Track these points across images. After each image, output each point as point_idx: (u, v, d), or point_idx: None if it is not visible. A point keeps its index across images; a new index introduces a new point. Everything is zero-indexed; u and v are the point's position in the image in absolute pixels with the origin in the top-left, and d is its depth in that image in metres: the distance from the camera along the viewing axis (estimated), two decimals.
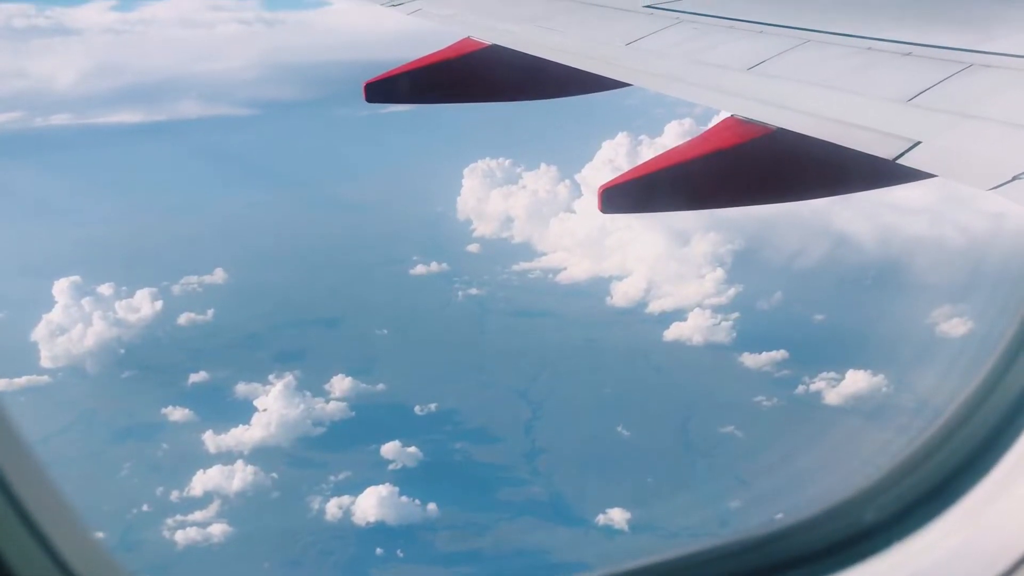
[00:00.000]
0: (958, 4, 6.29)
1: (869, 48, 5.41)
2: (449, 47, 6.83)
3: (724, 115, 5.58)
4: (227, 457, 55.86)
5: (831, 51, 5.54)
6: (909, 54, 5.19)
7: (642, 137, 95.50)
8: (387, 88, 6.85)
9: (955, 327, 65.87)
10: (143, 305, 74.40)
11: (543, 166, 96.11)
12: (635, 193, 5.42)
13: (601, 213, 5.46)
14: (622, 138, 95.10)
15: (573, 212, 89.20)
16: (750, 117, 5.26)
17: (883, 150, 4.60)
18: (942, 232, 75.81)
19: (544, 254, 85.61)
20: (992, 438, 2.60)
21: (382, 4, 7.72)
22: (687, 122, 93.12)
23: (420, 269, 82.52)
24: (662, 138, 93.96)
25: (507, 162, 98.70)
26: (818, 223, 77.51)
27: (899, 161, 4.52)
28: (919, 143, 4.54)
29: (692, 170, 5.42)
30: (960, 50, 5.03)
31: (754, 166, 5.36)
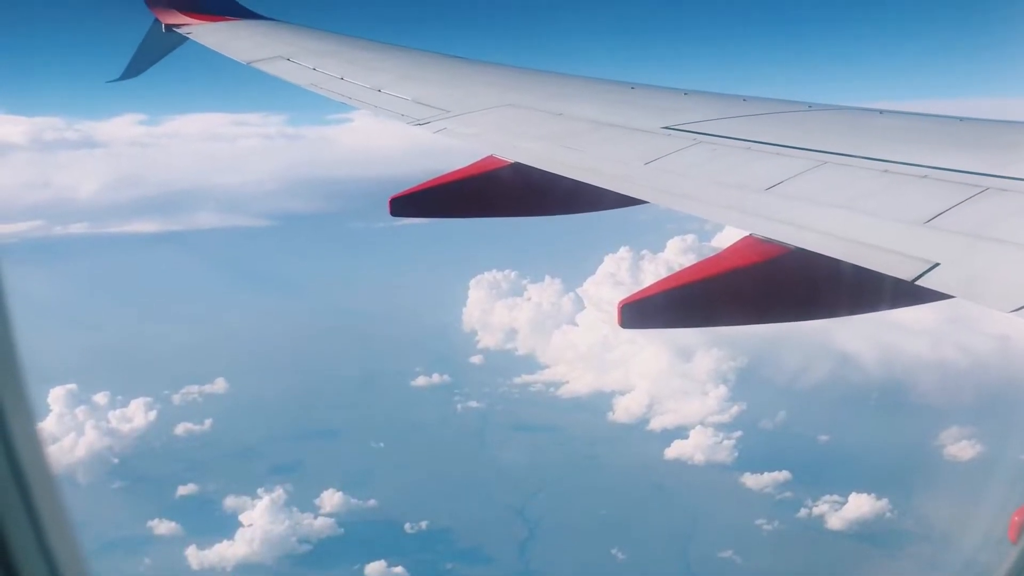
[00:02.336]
0: (973, 129, 6.43)
1: (886, 171, 5.51)
2: (473, 164, 7.01)
3: (737, 233, 5.65)
4: (209, 574, 54.41)
5: (848, 173, 5.63)
6: (925, 177, 5.29)
7: (644, 252, 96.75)
8: (412, 203, 7.01)
9: (964, 450, 65.01)
10: (136, 415, 73.86)
11: (548, 278, 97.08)
12: (655, 309, 5.44)
13: (621, 328, 5.47)
14: (624, 252, 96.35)
15: (576, 325, 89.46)
16: (769, 236, 5.31)
17: (902, 271, 4.62)
18: (945, 353, 75.69)
19: (547, 367, 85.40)
20: None
21: (408, 123, 7.98)
22: (689, 238, 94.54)
23: (421, 380, 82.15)
24: (664, 253, 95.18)
25: (513, 274, 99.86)
26: (821, 341, 77.53)
27: (918, 282, 4.53)
28: (938, 264, 4.56)
29: (711, 288, 5.45)
30: (976, 174, 5.12)
31: (773, 285, 5.39)
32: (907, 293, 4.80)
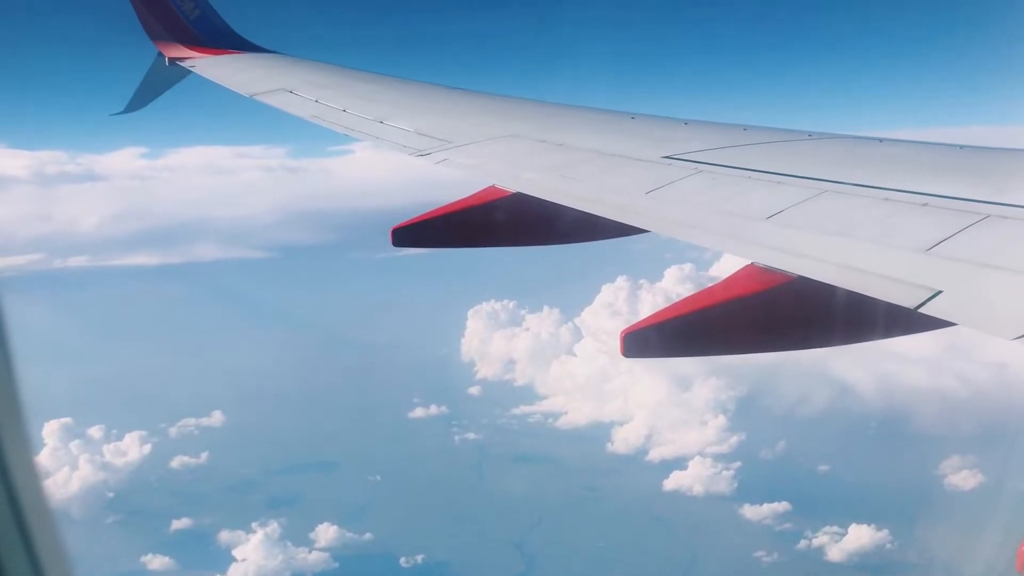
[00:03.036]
0: (973, 156, 6.45)
1: (886, 199, 5.52)
2: (474, 195, 7.03)
3: (738, 262, 5.65)
4: None
5: (849, 201, 5.64)
6: (926, 205, 5.30)
7: (642, 281, 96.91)
8: (414, 233, 7.02)
9: (965, 480, 64.72)
10: (131, 449, 73.47)
11: (546, 308, 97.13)
12: (657, 338, 5.43)
13: (623, 357, 5.45)
14: (622, 282, 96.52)
15: (574, 355, 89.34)
16: (771, 265, 5.32)
17: (904, 299, 4.61)
18: (944, 382, 75.58)
19: (545, 397, 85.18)
20: None
21: (410, 154, 8.02)
22: (687, 267, 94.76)
23: (419, 412, 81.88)
24: (662, 283, 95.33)
25: (512, 304, 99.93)
26: (820, 370, 77.41)
27: (921, 310, 4.52)
28: (940, 292, 4.55)
29: (713, 316, 5.44)
30: (976, 201, 5.13)
31: (776, 313, 5.38)
32: (910, 321, 4.79)
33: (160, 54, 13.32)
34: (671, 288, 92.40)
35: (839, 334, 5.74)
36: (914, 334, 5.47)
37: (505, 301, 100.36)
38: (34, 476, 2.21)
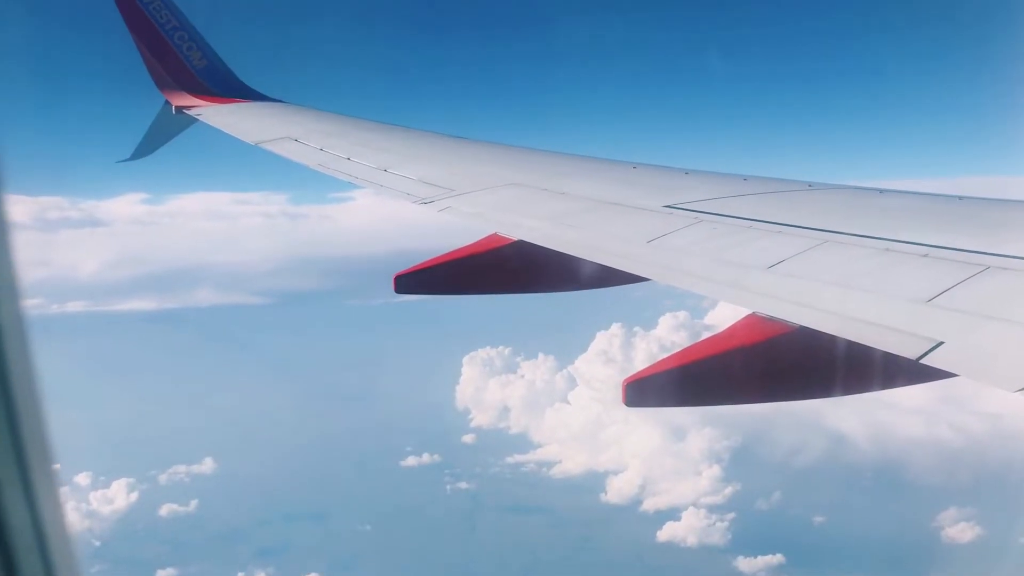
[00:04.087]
0: (973, 207, 6.50)
1: (887, 249, 5.55)
2: (477, 242, 7.07)
3: (737, 310, 5.66)
4: None
5: (849, 252, 5.67)
6: (927, 255, 5.33)
7: (636, 329, 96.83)
8: (417, 280, 7.06)
9: (963, 532, 64.13)
10: (118, 496, 72.51)
11: (541, 355, 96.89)
12: (659, 388, 5.42)
13: (625, 407, 5.44)
14: (616, 329, 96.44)
15: (568, 403, 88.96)
16: (772, 315, 5.33)
17: (906, 350, 4.62)
18: (940, 433, 75.33)
19: (540, 446, 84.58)
20: None
21: (414, 202, 8.09)
22: (682, 315, 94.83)
23: (412, 461, 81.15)
24: (656, 330, 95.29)
25: (507, 350, 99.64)
26: (815, 420, 77.16)
27: (922, 361, 4.53)
28: (942, 343, 4.56)
29: (715, 366, 5.44)
30: (977, 252, 5.16)
31: (778, 364, 5.38)
32: (912, 372, 4.79)
33: (167, 103, 13.50)
34: (666, 336, 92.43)
35: (841, 384, 5.73)
36: (915, 385, 5.47)
37: (501, 347, 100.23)
38: (62, 517, 2.30)
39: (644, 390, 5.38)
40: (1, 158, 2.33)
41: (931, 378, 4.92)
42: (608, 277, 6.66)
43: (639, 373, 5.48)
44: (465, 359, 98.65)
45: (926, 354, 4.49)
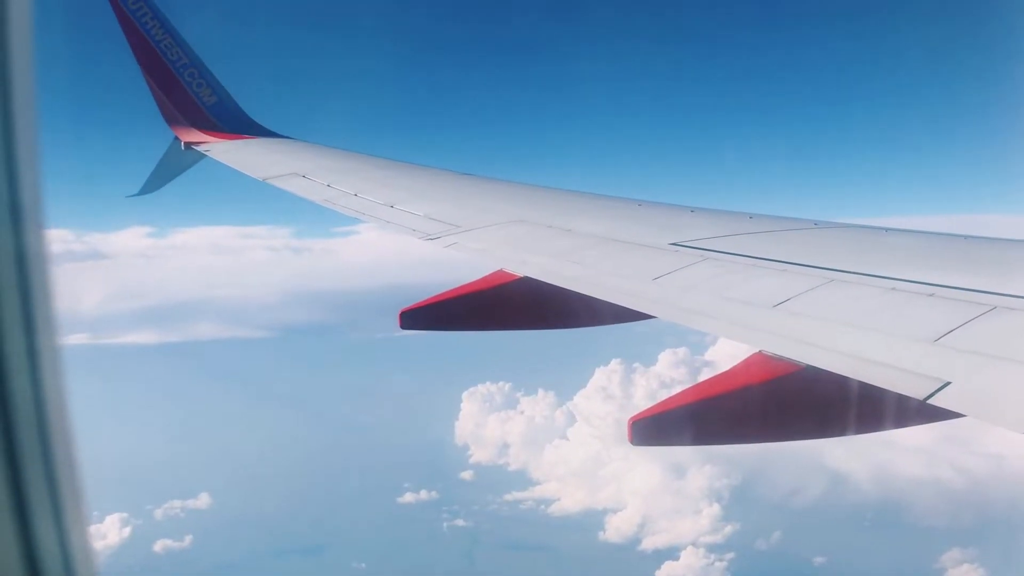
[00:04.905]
0: (979, 247, 6.53)
1: (893, 288, 5.55)
2: (482, 278, 7.09)
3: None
4: None
5: (855, 290, 5.68)
6: (933, 295, 5.33)
7: (636, 365, 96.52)
8: (422, 316, 7.07)
9: (966, 574, 63.50)
10: (111, 532, 71.90)
11: (541, 391, 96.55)
12: (666, 426, 5.42)
13: (632, 445, 5.42)
14: (616, 365, 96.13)
15: (567, 440, 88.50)
16: (779, 354, 5.33)
17: (913, 389, 4.61)
18: (942, 473, 74.87)
19: (538, 483, 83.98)
20: None
21: (420, 238, 8.13)
22: (681, 351, 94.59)
23: (409, 497, 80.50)
24: (656, 367, 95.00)
25: (507, 386, 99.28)
26: (816, 459, 76.67)
27: (930, 401, 4.53)
28: (949, 383, 4.56)
29: (722, 405, 5.44)
30: (984, 292, 5.17)
31: (784, 403, 5.38)
32: (919, 412, 4.78)
33: (176, 138, 13.63)
34: (665, 372, 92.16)
35: (848, 424, 5.72)
36: (922, 425, 5.46)
37: (501, 383, 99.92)
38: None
39: (651, 429, 5.37)
40: (42, 195, 2.38)
41: (938, 418, 4.91)
42: (614, 314, 6.68)
43: (646, 411, 5.47)
44: (465, 394, 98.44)
45: (933, 394, 4.48)
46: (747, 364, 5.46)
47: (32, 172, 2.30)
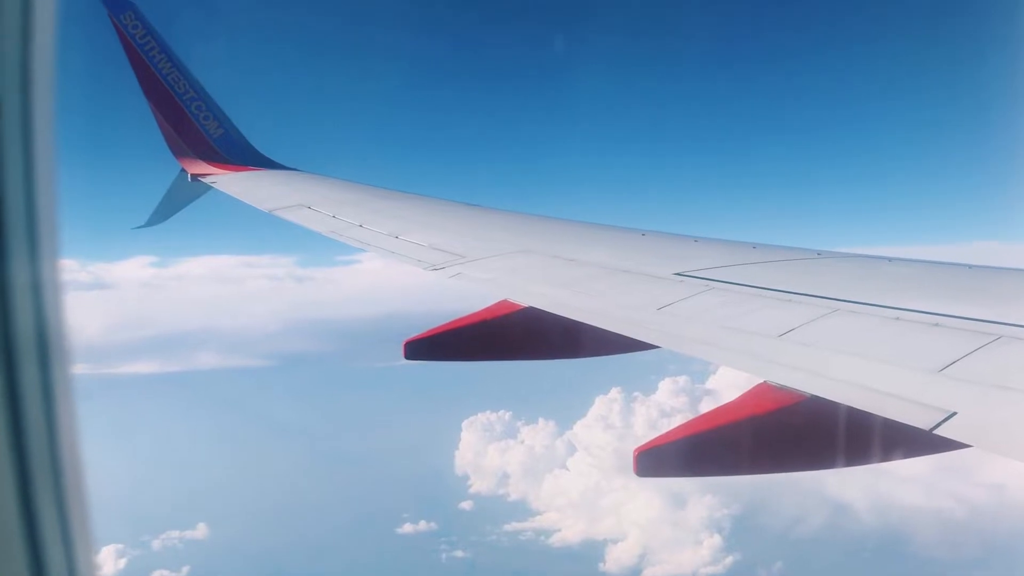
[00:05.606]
0: (983, 276, 6.54)
1: (897, 318, 5.57)
2: (487, 308, 7.12)
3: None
4: None
5: (860, 320, 5.68)
6: (937, 325, 5.34)
7: (636, 394, 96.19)
8: (427, 346, 7.08)
9: None
10: (106, 563, 71.24)
11: (541, 420, 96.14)
12: (671, 457, 5.41)
13: (637, 476, 5.41)
14: (615, 394, 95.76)
15: (568, 469, 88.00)
16: (784, 384, 5.33)
17: (919, 420, 4.61)
18: (942, 503, 74.40)
19: (538, 513, 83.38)
20: None
21: (424, 268, 8.16)
22: (682, 379, 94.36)
23: (407, 528, 79.91)
24: (656, 395, 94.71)
25: (507, 415, 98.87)
26: (817, 489, 76.23)
27: (936, 431, 4.52)
28: (955, 413, 4.56)
29: (728, 435, 5.43)
30: (988, 322, 5.18)
31: (791, 433, 5.36)
32: (925, 442, 4.77)
33: (183, 170, 13.74)
34: (666, 401, 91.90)
35: (854, 455, 5.71)
36: (928, 455, 5.45)
37: (501, 412, 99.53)
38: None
39: (656, 460, 5.36)
40: (58, 225, 2.41)
41: (944, 449, 4.91)
42: (618, 344, 6.68)
43: (651, 443, 5.45)
44: (465, 423, 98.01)
45: (939, 424, 4.49)
46: (752, 394, 5.46)
47: (49, 204, 2.33)
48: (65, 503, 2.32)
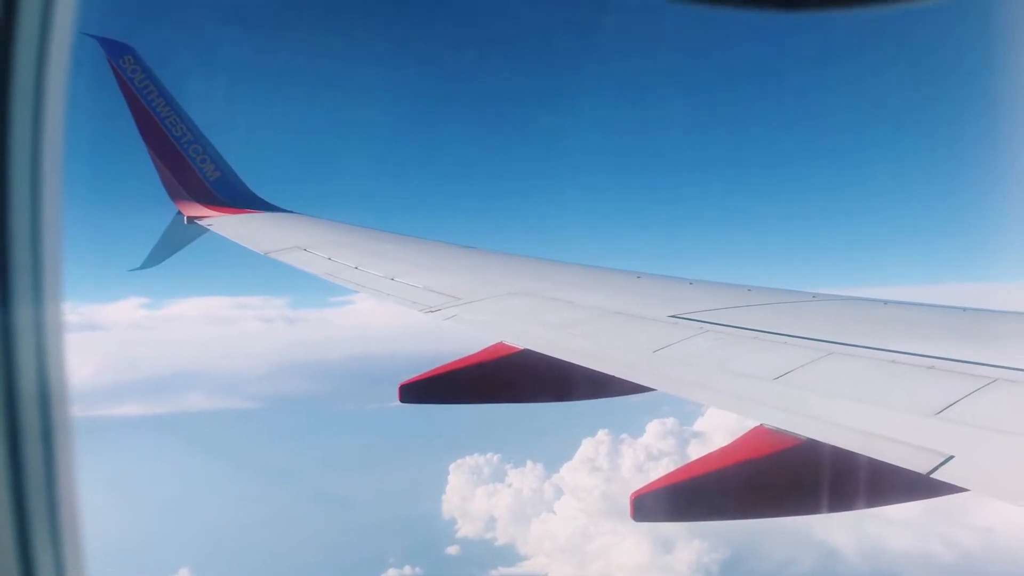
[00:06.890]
0: (978, 319, 6.58)
1: (892, 361, 5.59)
2: (483, 351, 7.11)
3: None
4: None
5: (855, 363, 5.71)
6: (932, 368, 5.36)
7: (623, 436, 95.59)
8: (422, 389, 7.06)
9: None
10: None
11: (529, 463, 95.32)
12: (668, 501, 5.38)
13: (633, 521, 5.38)
14: (603, 436, 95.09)
15: (555, 513, 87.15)
16: (779, 427, 5.33)
17: (916, 463, 4.62)
18: (931, 546, 73.97)
19: (526, 558, 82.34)
20: None
21: (420, 311, 8.17)
22: (669, 421, 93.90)
23: (393, 573, 78.76)
24: (643, 438, 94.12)
25: (495, 457, 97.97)
26: (805, 532, 75.67)
27: (933, 475, 4.53)
28: (952, 457, 4.57)
29: (724, 479, 5.42)
30: (984, 365, 5.21)
31: (787, 477, 5.35)
32: (922, 486, 4.77)
33: (179, 212, 13.79)
34: (653, 443, 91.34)
35: (851, 499, 5.69)
36: (924, 499, 5.44)
37: (489, 454, 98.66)
38: None
39: (652, 504, 5.34)
40: (61, 269, 2.42)
41: (941, 493, 4.90)
42: (613, 387, 6.68)
43: (647, 487, 5.44)
44: (452, 466, 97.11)
45: (936, 468, 4.49)
46: (748, 438, 5.45)
47: (55, 248, 2.34)
48: (61, 547, 2.35)
